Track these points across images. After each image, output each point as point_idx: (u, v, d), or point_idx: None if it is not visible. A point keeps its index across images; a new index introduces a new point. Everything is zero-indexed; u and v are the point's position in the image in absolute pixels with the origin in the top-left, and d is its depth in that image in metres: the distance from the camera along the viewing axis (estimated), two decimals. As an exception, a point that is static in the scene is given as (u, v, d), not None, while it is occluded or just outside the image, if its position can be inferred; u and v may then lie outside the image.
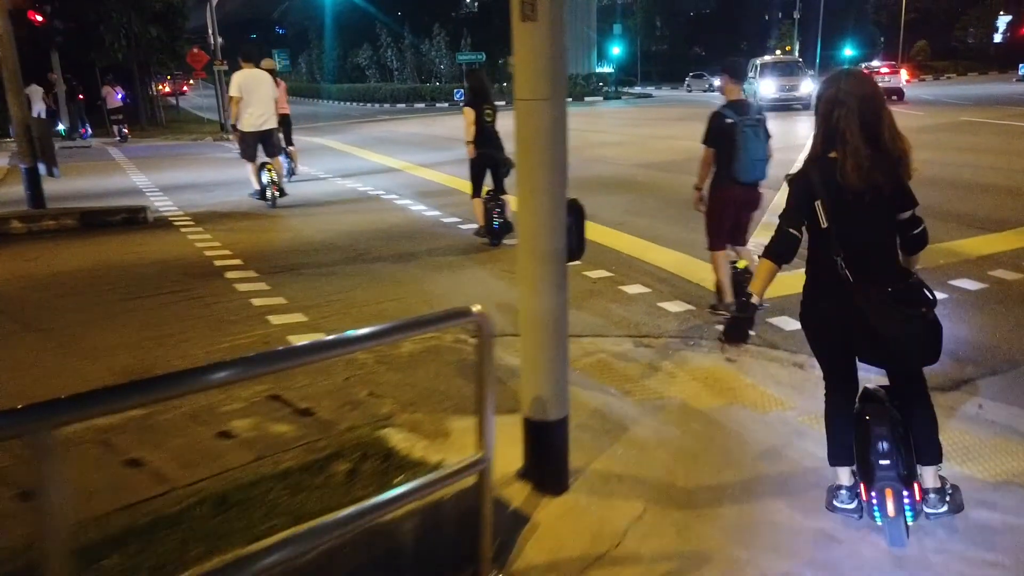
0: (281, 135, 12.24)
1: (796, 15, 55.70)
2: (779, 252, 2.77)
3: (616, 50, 54.84)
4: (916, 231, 2.80)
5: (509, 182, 7.87)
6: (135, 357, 4.77)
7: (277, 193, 10.46)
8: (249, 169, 10.57)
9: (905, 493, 2.66)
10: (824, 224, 2.65)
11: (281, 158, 12.25)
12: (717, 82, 25.19)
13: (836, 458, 2.87)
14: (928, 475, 2.74)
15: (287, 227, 9.17)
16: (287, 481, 2.67)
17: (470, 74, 8.87)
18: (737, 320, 2.92)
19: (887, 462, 2.66)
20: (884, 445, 2.66)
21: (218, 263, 7.19)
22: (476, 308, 2.33)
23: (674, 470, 3.42)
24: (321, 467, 2.79)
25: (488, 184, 7.93)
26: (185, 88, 54.89)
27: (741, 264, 5.53)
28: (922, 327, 2.61)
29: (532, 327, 2.88)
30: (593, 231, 8.36)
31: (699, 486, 3.27)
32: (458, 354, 4.63)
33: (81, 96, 23.25)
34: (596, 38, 56.04)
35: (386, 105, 44.34)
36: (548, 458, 2.96)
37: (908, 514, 2.68)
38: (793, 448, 3.60)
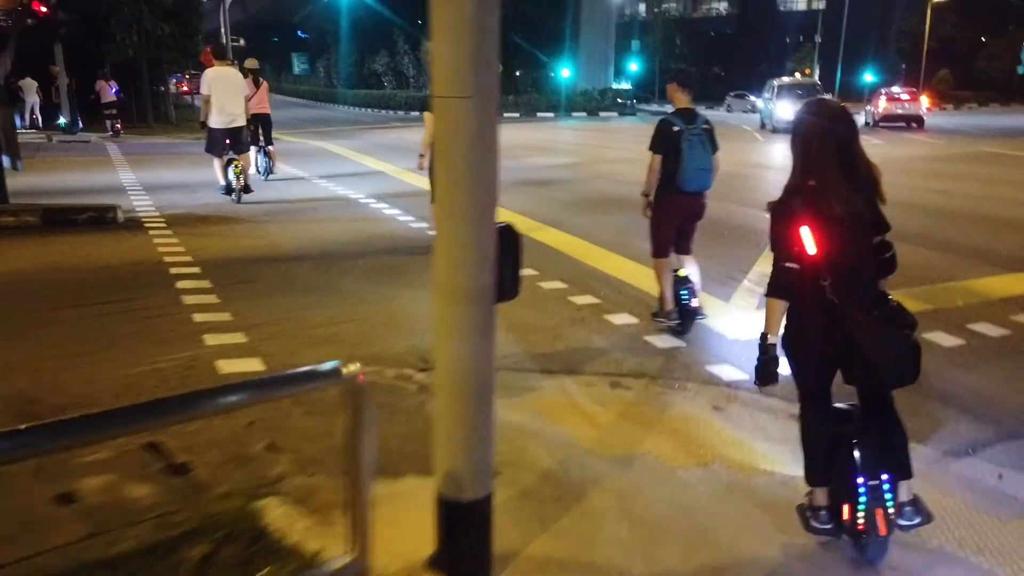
0: (261, 135, 12.63)
1: (817, 39, 55.17)
2: (782, 286, 2.78)
3: (633, 66, 54.41)
4: (888, 255, 2.90)
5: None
6: (32, 381, 4.23)
7: (242, 189, 10.56)
8: (216, 165, 10.76)
9: (891, 510, 2.74)
10: (812, 251, 2.67)
11: (259, 156, 12.79)
12: (760, 103, 24.60)
13: (817, 478, 2.91)
14: (903, 489, 2.80)
15: (261, 233, 8.65)
16: (116, 573, 2.08)
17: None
18: (762, 362, 2.84)
19: (876, 483, 2.72)
20: (874, 466, 2.74)
21: (174, 270, 6.66)
22: (352, 367, 1.77)
23: (634, 553, 2.85)
24: (168, 551, 2.21)
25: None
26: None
27: (682, 273, 5.54)
28: (908, 347, 2.68)
29: (448, 384, 2.31)
30: (586, 252, 7.82)
31: (664, 574, 2.69)
32: (398, 395, 4.05)
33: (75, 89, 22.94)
34: (613, 54, 55.62)
35: (400, 112, 44.00)
36: (464, 545, 2.37)
37: None
38: (783, 525, 3.01)
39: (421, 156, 7.89)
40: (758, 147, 21.90)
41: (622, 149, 20.89)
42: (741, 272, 7.13)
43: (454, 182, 2.11)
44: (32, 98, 22.52)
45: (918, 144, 22.68)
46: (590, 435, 3.86)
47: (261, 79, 12.95)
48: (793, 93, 26.20)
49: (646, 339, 5.39)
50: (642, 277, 6.94)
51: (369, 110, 47.95)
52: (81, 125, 22.22)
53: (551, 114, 40.54)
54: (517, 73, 52.11)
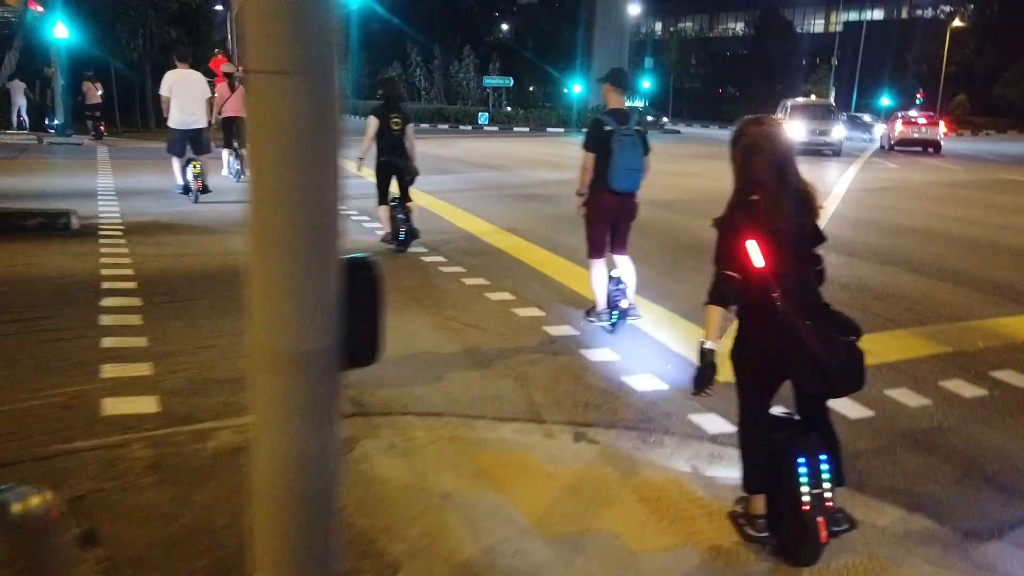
0: (235, 138, 12.92)
1: (834, 61, 54.56)
2: (721, 295, 2.83)
3: (647, 84, 53.89)
4: (819, 267, 2.96)
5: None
6: None
7: (200, 190, 10.65)
8: (175, 164, 10.86)
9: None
10: (759, 264, 2.72)
11: (232, 159, 13.06)
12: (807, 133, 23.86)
13: (755, 485, 2.94)
14: (837, 497, 2.85)
15: (222, 245, 8.00)
16: None
17: (385, 81, 8.98)
18: (700, 370, 2.87)
19: (819, 491, 2.76)
20: (818, 475, 2.77)
21: (107, 284, 6.01)
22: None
23: None
24: None
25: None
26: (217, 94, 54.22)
27: (615, 273, 5.53)
28: (856, 354, 2.76)
29: (268, 490, 1.58)
30: (570, 274, 7.14)
31: None
32: None
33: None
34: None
35: (410, 125, 43.59)
36: None
37: None
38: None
39: (360, 158, 8.13)
40: (769, 168, 21.17)
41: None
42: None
43: (268, 197, 1.42)
44: (19, 100, 22.10)
45: (935, 169, 21.91)
46: (537, 505, 3.17)
47: (237, 83, 13.04)
48: (807, 114, 25.50)
49: (625, 380, 4.71)
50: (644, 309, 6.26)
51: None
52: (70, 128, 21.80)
53: (561, 129, 40.00)
54: (531, 88, 51.70)
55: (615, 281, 5.51)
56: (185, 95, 10.52)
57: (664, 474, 3.56)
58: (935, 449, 4.00)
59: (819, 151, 24.44)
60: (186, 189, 10.81)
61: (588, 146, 5.31)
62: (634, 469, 3.60)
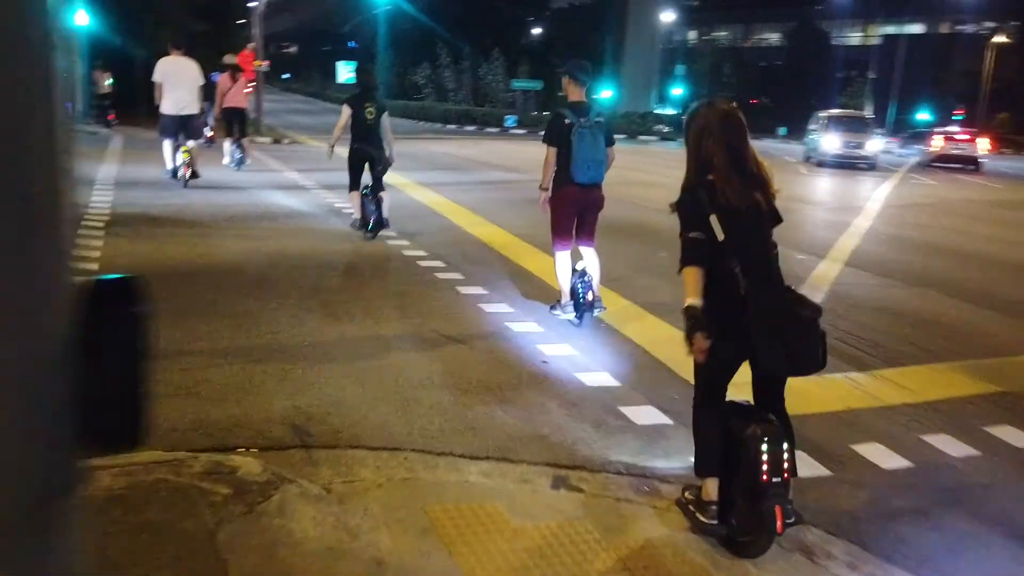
0: (236, 128, 13.40)
1: (871, 74, 53.30)
2: (693, 256, 2.78)
3: (677, 91, 53.05)
4: (774, 250, 2.92)
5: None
6: None
7: (188, 175, 10.82)
8: (165, 148, 11.09)
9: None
10: (721, 237, 2.73)
11: (233, 148, 13.40)
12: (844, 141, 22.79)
13: (708, 468, 2.90)
14: (790, 488, 2.79)
15: (206, 241, 7.51)
16: None
17: (361, 71, 9.05)
18: (689, 329, 2.74)
19: (778, 480, 2.71)
20: (780, 463, 2.73)
21: (64, 280, 5.52)
22: None
23: None
24: None
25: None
26: (248, 89, 53.84)
27: (579, 266, 5.52)
28: (818, 333, 2.73)
29: None
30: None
31: None
32: (188, 505, 2.72)
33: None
34: (657, 78, 54.36)
35: (437, 124, 43.18)
36: None
37: None
38: None
39: (331, 146, 8.39)
40: (800, 180, 20.37)
41: (654, 173, 19.54)
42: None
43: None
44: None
45: (975, 187, 20.95)
46: (497, 569, 2.58)
47: (239, 74, 13.56)
48: (841, 126, 24.63)
49: (623, 410, 4.10)
50: (639, 325, 5.65)
51: (406, 120, 47.21)
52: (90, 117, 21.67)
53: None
54: (560, 94, 51.07)
55: (580, 273, 5.48)
56: (177, 82, 10.71)
57: (658, 529, 2.97)
58: (983, 513, 3.35)
59: (853, 164, 23.55)
60: (174, 173, 11.01)
61: (549, 140, 5.33)
62: (621, 524, 3.00)
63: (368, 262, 7.27)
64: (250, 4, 39.17)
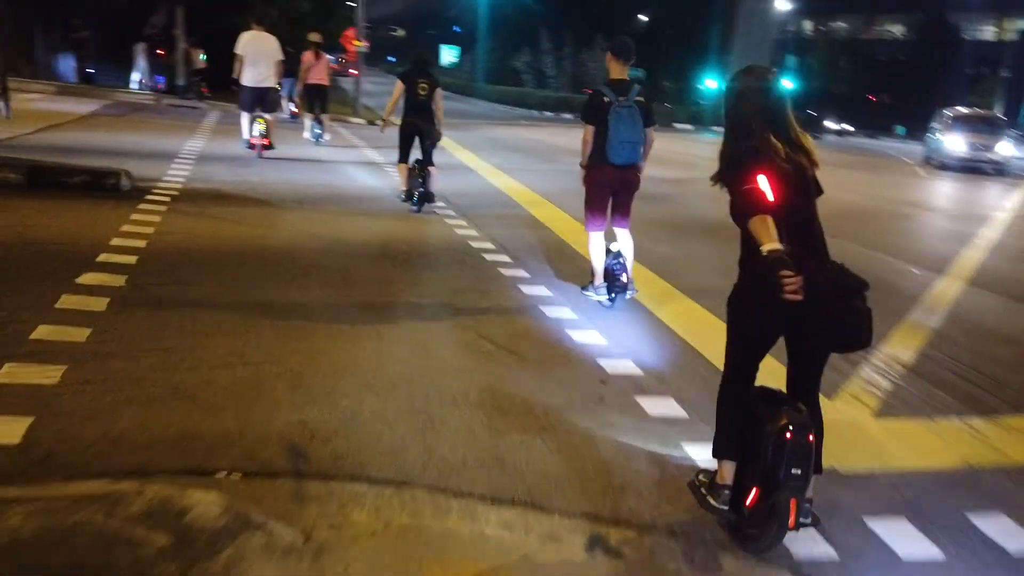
0: (317, 104, 14.10)
1: (1004, 72, 49.39)
2: (754, 205, 2.56)
3: (788, 83, 50.69)
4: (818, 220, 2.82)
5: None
6: None
7: (265, 146, 11.25)
8: (243, 119, 11.49)
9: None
10: (771, 198, 2.58)
11: (313, 124, 14.07)
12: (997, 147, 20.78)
13: (726, 451, 2.81)
14: (810, 486, 2.69)
15: (268, 221, 7.20)
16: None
17: (414, 50, 9.25)
18: (775, 274, 2.43)
19: (799, 472, 2.59)
20: (804, 455, 2.61)
21: (104, 257, 5.22)
22: None
23: None
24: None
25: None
26: (353, 71, 54.18)
27: (614, 247, 5.45)
28: (864, 307, 2.61)
29: None
30: (648, 294, 5.87)
31: None
32: (124, 549, 2.25)
33: (161, 52, 22.79)
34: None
35: (533, 112, 42.63)
36: None
37: None
38: None
39: (382, 120, 9.04)
40: (918, 183, 18.79)
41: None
42: (854, 356, 4.99)
43: None
44: (141, 61, 22.59)
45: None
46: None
47: (322, 52, 14.15)
48: (968, 126, 22.63)
49: (687, 447, 3.45)
50: (716, 343, 4.93)
51: (503, 106, 46.87)
52: (163, 81, 22.20)
53: (690, 126, 37.96)
54: (665, 83, 49.52)
55: (615, 255, 5.41)
56: (257, 56, 11.11)
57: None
58: None
59: (979, 168, 21.59)
60: (250, 145, 11.43)
61: (587, 118, 5.23)
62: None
63: (428, 251, 6.79)
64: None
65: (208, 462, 2.81)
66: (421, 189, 8.26)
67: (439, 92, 8.23)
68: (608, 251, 5.44)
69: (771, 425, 2.63)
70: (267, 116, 11.37)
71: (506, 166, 13.71)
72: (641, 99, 5.17)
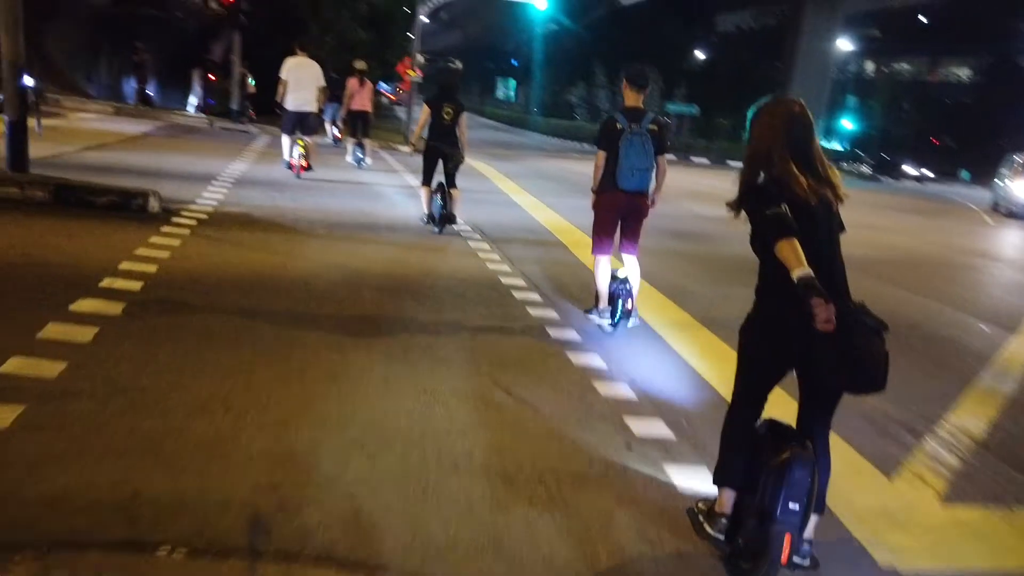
0: (360, 129, 14.59)
1: (1078, 117, 47.40)
2: (780, 229, 2.51)
3: (848, 124, 49.57)
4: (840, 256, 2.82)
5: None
6: None
7: (304, 167, 11.58)
8: (284, 141, 11.81)
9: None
10: (794, 227, 2.53)
11: (355, 148, 14.47)
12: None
13: (728, 478, 2.77)
14: (810, 524, 2.66)
15: (289, 249, 6.92)
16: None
17: (443, 71, 9.35)
18: (812, 300, 2.39)
19: (796, 506, 2.55)
20: (803, 490, 2.56)
21: (107, 282, 4.94)
22: None
23: None
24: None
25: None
26: (390, 96, 54.36)
27: (621, 273, 5.48)
28: (882, 349, 2.54)
29: None
30: (692, 342, 5.39)
31: None
32: None
33: (213, 77, 23.14)
34: (825, 110, 50.96)
35: (585, 145, 42.36)
36: None
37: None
38: None
39: (411, 143, 9.32)
40: (985, 232, 17.84)
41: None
42: (925, 420, 4.43)
43: None
44: (197, 86, 23.00)
45: None
46: None
47: (366, 79, 14.67)
48: (1041, 172, 21.52)
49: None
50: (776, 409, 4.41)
51: (556, 139, 46.78)
52: (212, 102, 22.54)
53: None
54: (721, 121, 48.90)
55: (621, 280, 5.42)
56: (300, 81, 11.44)
57: None
58: None
59: (1050, 217, 20.50)
60: (289, 165, 11.79)
61: (599, 144, 5.33)
62: None
63: (454, 286, 6.41)
64: (423, 20, 40.18)
65: (153, 533, 2.43)
66: (443, 211, 8.45)
67: (464, 117, 8.41)
68: (614, 276, 5.44)
69: (773, 457, 2.61)
70: (307, 139, 11.66)
71: (550, 199, 13.35)
72: (654, 127, 5.23)
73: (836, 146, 49.20)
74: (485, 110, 69.31)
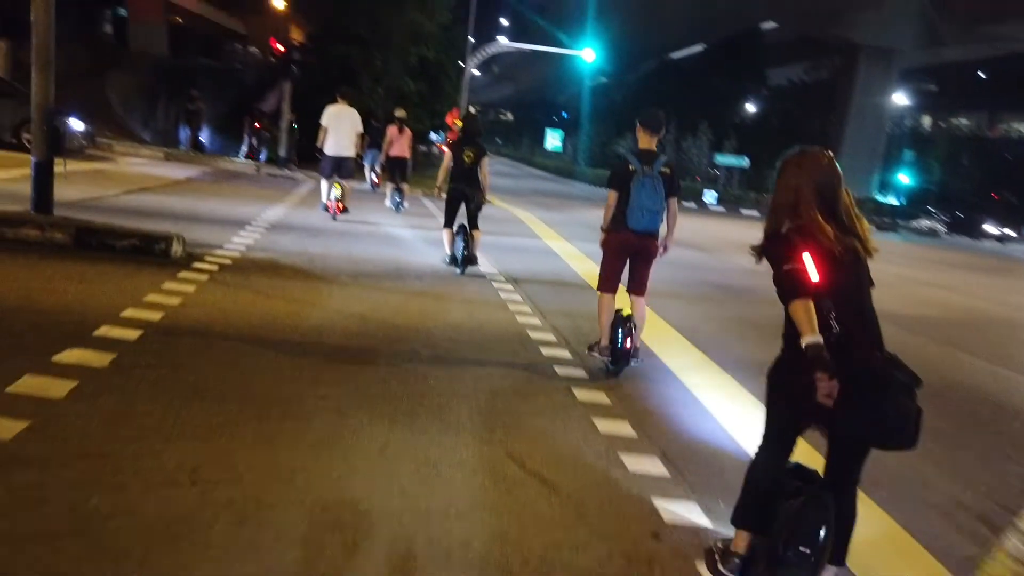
0: (398, 175, 14.95)
1: None
2: (797, 287, 2.55)
3: (904, 178, 48.36)
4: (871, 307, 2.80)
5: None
6: None
7: (340, 209, 12.11)
8: (322, 184, 12.35)
9: None
10: (815, 278, 2.56)
11: (394, 192, 14.89)
12: None
13: (745, 520, 2.79)
14: (829, 574, 2.68)
15: (309, 298, 6.60)
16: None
17: (466, 117, 10.35)
18: (816, 369, 2.44)
19: (808, 552, 2.55)
20: (815, 535, 2.58)
21: (103, 331, 4.63)
22: None
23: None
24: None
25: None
26: (441, 146, 55.07)
27: (626, 312, 5.48)
28: (913, 404, 2.51)
29: None
30: (728, 402, 4.86)
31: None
32: None
33: (258, 125, 23.42)
34: (880, 164, 49.83)
35: (485, 158, 41.93)
36: None
37: None
38: None
39: (437, 187, 9.07)
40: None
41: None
42: (1005, 511, 3.82)
43: None
44: (248, 133, 23.38)
45: None
46: None
47: (405, 127, 14.93)
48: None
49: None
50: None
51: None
52: (265, 155, 22.82)
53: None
54: (771, 172, 48.11)
55: (624, 320, 5.41)
56: (339, 127, 11.84)
57: None
58: None
59: None
60: (327, 208, 12.26)
61: (610, 184, 5.41)
62: None
63: (478, 340, 6.00)
64: (476, 73, 40.64)
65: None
66: (465, 252, 8.65)
67: (485, 160, 8.67)
68: (619, 315, 5.43)
69: (791, 499, 2.63)
70: (344, 182, 12.09)
71: (590, 250, 12.91)
72: (666, 170, 5.26)
73: (892, 200, 47.95)
74: (534, 160, 69.78)
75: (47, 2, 6.77)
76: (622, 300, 5.62)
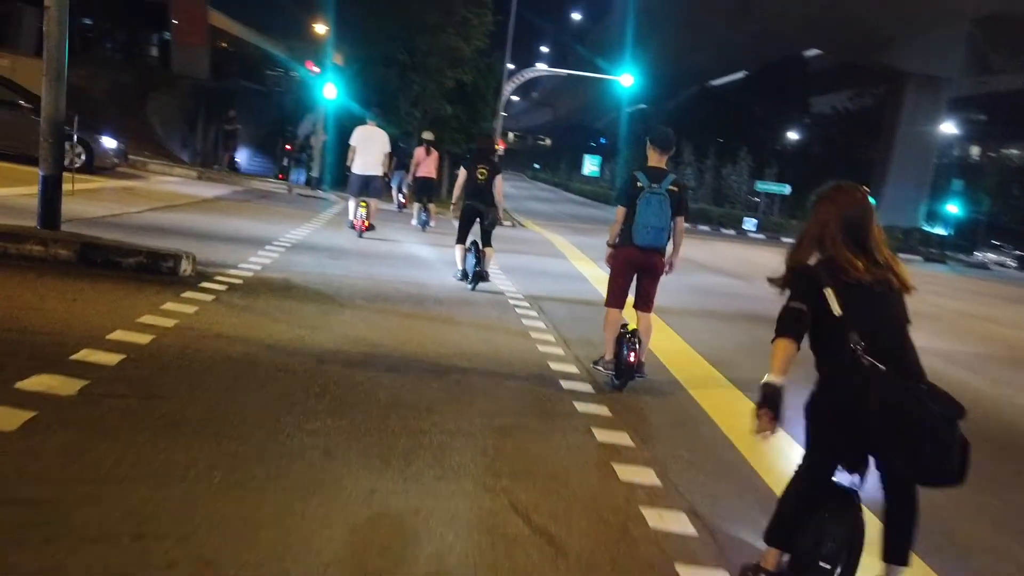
0: (426, 195, 15.49)
1: None
2: (788, 327, 2.65)
3: (953, 208, 46.97)
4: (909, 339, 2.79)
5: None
6: None
7: (364, 227, 12.39)
8: (350, 202, 12.73)
9: None
10: (837, 312, 2.60)
11: (421, 212, 15.34)
12: None
13: (776, 539, 2.76)
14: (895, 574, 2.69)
15: (319, 321, 6.22)
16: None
17: (480, 137, 10.72)
18: (758, 405, 2.63)
19: (828, 567, 2.57)
20: (836, 552, 2.58)
21: (82, 355, 4.25)
22: None
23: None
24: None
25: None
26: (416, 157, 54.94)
27: (632, 326, 5.53)
28: (955, 435, 2.46)
29: None
30: (774, 460, 4.33)
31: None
32: None
33: (289, 147, 23.46)
34: (928, 193, 48.51)
35: (498, 175, 41.28)
36: None
37: None
38: None
39: (454, 204, 9.32)
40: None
41: (910, 300, 16.13)
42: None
43: None
44: (280, 153, 23.49)
45: None
46: None
47: (433, 149, 15.35)
48: None
49: None
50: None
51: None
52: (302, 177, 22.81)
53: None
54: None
55: (630, 334, 5.42)
56: (368, 148, 12.37)
57: None
58: None
59: None
60: (353, 225, 12.57)
61: (619, 199, 5.50)
62: None
63: (493, 370, 5.55)
64: (513, 97, 40.57)
65: None
66: (476, 268, 8.70)
67: (499, 178, 8.74)
68: (624, 330, 5.44)
69: (821, 513, 2.64)
70: (370, 201, 12.45)
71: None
72: (674, 188, 5.31)
73: (940, 230, 46.59)
74: (571, 186, 69.61)
75: (60, 16, 6.56)
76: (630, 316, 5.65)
